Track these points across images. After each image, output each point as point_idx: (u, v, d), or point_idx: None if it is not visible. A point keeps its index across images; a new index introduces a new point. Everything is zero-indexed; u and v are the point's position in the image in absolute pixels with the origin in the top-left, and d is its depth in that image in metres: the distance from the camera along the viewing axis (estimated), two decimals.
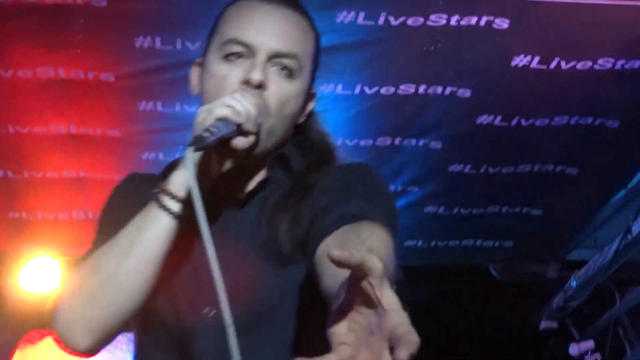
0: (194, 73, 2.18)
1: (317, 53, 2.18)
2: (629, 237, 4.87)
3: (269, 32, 2.03)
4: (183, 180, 1.89)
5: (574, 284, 5.67)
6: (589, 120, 4.54)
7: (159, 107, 4.39)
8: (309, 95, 2.16)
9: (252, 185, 2.12)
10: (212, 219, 1.66)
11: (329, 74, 4.18)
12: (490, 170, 4.95)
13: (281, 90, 2.02)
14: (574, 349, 5.77)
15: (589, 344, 5.74)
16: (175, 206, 1.90)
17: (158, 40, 3.97)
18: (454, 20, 3.85)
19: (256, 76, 1.97)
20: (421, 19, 3.84)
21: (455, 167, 4.93)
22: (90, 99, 4.33)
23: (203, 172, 1.88)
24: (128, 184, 2.31)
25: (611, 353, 5.67)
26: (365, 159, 4.74)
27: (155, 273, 1.93)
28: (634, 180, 5.06)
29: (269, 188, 2.10)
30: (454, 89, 4.32)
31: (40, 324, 6.30)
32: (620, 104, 4.42)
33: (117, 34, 3.94)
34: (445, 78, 4.28)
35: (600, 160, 4.88)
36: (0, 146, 4.64)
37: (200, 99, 2.11)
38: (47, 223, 5.35)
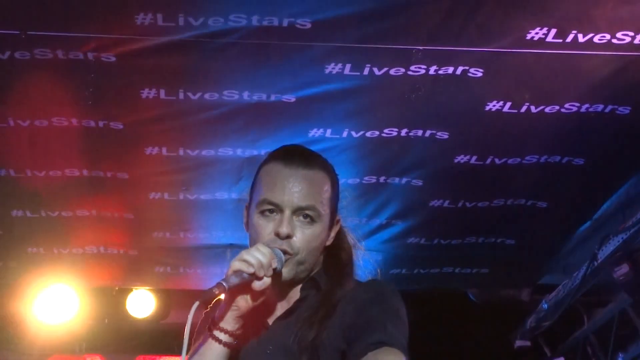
0: (245, 215, 2.56)
1: (336, 191, 2.55)
2: (595, 263, 4.88)
3: (291, 192, 2.42)
4: (226, 316, 2.35)
5: (545, 306, 5.70)
6: (557, 158, 4.55)
7: (164, 151, 4.42)
8: (332, 224, 2.52)
9: (290, 303, 2.49)
10: (263, 328, 2.43)
11: (319, 120, 4.21)
12: (467, 204, 4.95)
13: (305, 234, 2.42)
14: None
15: None
16: (224, 337, 2.34)
17: (162, 92, 3.97)
18: (432, 70, 3.84)
19: (283, 230, 2.39)
20: (402, 70, 3.83)
21: (435, 202, 4.93)
22: (100, 145, 4.36)
23: (240, 301, 2.33)
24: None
25: None
26: (353, 195, 4.71)
27: None
28: (599, 213, 5.06)
29: (304, 306, 2.47)
30: (433, 131, 4.32)
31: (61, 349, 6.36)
32: (585, 143, 4.43)
33: (124, 86, 3.96)
34: (425, 122, 4.27)
35: (568, 195, 4.88)
36: (19, 189, 4.65)
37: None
38: (62, 257, 5.36)
